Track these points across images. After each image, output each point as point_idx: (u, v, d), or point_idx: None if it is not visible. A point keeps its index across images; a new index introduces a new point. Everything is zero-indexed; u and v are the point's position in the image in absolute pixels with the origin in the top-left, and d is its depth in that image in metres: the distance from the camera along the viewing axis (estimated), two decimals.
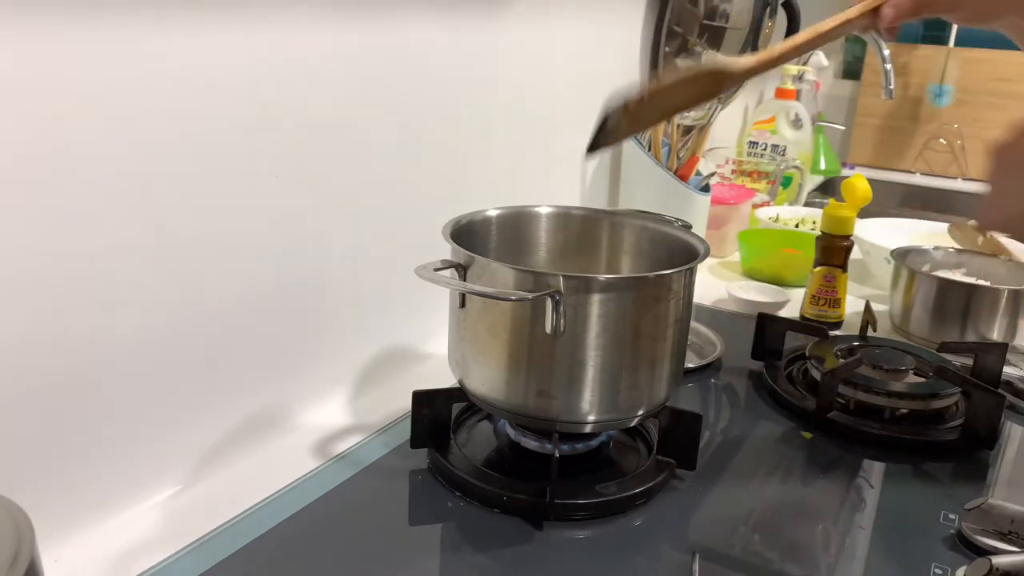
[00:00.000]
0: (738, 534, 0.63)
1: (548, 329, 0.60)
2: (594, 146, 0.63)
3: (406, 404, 0.70)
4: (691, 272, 0.66)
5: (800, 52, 0.65)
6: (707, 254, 0.67)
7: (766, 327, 0.92)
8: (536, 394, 0.63)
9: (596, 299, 0.60)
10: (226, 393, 0.69)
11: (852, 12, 0.63)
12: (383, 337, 0.86)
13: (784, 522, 0.65)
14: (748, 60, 0.63)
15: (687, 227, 0.75)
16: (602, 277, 0.61)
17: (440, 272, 0.62)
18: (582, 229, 0.80)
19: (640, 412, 0.66)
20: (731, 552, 0.61)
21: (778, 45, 0.64)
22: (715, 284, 1.22)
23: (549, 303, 0.59)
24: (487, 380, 0.66)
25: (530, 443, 0.70)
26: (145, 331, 0.60)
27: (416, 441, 0.70)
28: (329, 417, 0.78)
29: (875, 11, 0.62)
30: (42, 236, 0.53)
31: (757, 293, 1.14)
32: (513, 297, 0.60)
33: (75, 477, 0.58)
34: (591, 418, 0.64)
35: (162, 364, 0.62)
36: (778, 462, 0.74)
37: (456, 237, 0.67)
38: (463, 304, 0.66)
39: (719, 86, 0.64)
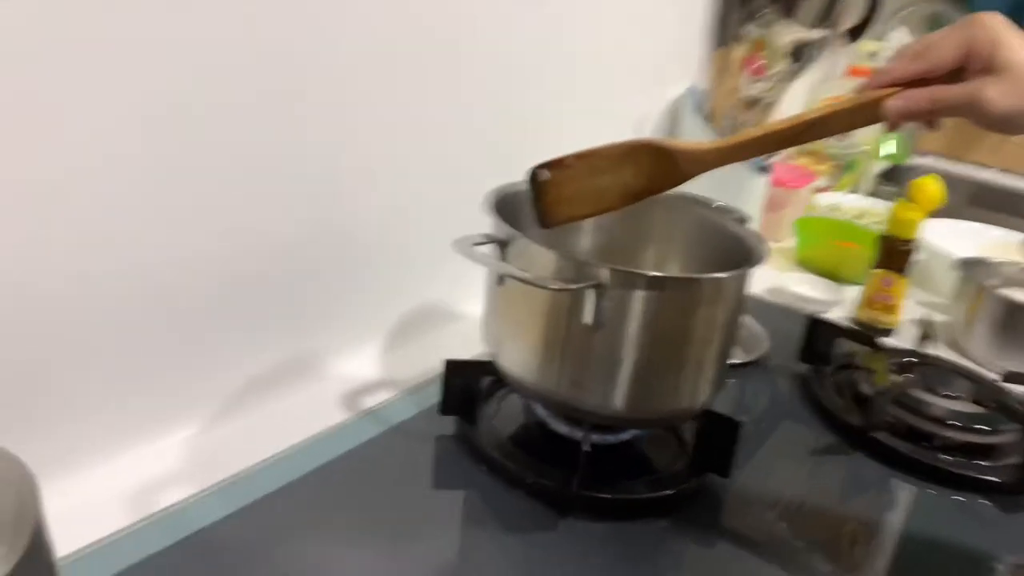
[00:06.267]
0: (766, 551, 0.60)
1: (587, 320, 0.57)
2: (541, 222, 0.59)
3: (437, 363, 0.69)
4: (745, 277, 0.63)
5: (778, 146, 0.56)
6: (765, 257, 0.63)
7: (816, 331, 0.88)
8: (569, 383, 0.61)
9: (641, 296, 0.57)
10: (258, 336, 0.68)
11: (846, 102, 0.53)
12: (418, 292, 0.85)
13: (815, 547, 0.62)
14: (702, 145, 0.56)
15: (745, 221, 0.71)
16: (650, 274, 0.57)
17: (479, 248, 0.59)
18: (633, 211, 0.75)
19: (676, 416, 0.63)
20: (756, 569, 0.58)
21: (752, 130, 0.55)
22: (767, 271, 1.18)
23: (591, 295, 0.56)
24: (520, 361, 0.63)
25: (560, 427, 0.68)
26: (178, 268, 0.60)
27: (446, 409, 0.69)
28: (359, 369, 0.77)
29: (877, 103, 0.51)
30: (60, 171, 0.51)
31: (810, 287, 1.09)
32: (554, 286, 0.57)
33: (94, 408, 0.58)
34: (624, 415, 0.62)
35: (193, 302, 0.62)
36: (816, 478, 0.71)
37: (500, 208, 0.63)
38: (501, 281, 0.63)
39: (660, 177, 0.57)
